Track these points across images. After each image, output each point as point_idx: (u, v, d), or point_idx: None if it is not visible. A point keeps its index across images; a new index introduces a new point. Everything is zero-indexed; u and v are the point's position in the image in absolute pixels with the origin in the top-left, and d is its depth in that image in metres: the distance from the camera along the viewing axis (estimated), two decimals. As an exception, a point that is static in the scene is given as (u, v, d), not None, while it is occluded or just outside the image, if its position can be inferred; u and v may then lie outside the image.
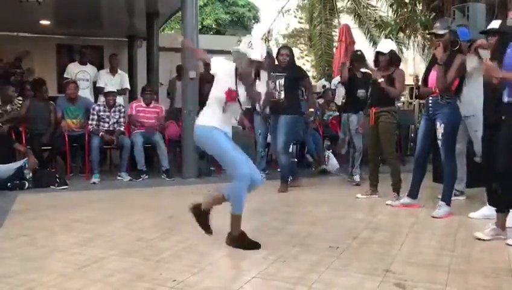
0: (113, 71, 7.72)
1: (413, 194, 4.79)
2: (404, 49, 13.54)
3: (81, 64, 7.87)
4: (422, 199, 4.86)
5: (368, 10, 14.43)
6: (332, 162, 7.45)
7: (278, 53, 5.92)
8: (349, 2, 14.94)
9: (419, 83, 6.30)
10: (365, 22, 14.23)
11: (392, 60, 5.16)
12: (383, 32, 13.74)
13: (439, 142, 4.44)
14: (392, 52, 5.15)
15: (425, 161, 4.80)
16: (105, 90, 6.92)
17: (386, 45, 5.26)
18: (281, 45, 6.15)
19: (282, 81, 5.66)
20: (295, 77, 5.83)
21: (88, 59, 8.07)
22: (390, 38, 12.72)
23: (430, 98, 4.53)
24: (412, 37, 11.97)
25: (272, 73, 5.89)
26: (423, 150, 4.70)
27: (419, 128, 4.85)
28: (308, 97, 6.46)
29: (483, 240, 3.59)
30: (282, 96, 5.69)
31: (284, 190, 5.74)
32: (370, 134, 5.34)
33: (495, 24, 4.25)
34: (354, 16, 14.66)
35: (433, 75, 4.50)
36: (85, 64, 7.89)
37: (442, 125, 4.39)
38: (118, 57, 8.14)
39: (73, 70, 7.74)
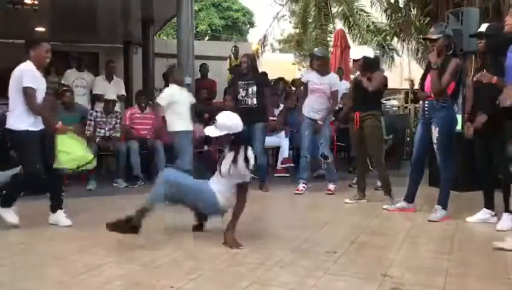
0: (109, 78, 7.68)
1: (410, 198, 4.79)
2: (399, 54, 13.62)
3: (79, 71, 7.85)
4: (418, 203, 4.86)
5: (361, 16, 14.50)
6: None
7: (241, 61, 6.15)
8: (341, 7, 15.00)
9: (415, 87, 6.31)
10: (360, 27, 14.29)
11: (367, 65, 5.11)
12: (376, 37, 13.82)
13: (435, 145, 4.46)
14: (365, 58, 5.14)
15: (422, 165, 4.81)
16: (105, 98, 6.89)
17: (359, 52, 5.37)
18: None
19: (254, 88, 5.87)
20: (258, 83, 5.98)
21: (86, 66, 8.06)
22: (382, 44, 12.85)
23: (426, 102, 4.55)
24: (407, 41, 12.02)
25: (241, 82, 6.00)
26: (420, 154, 4.71)
27: (416, 132, 4.84)
28: (268, 107, 6.33)
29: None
30: (255, 102, 5.89)
31: (267, 189, 5.96)
32: (355, 139, 5.31)
33: (483, 28, 4.27)
34: (345, 21, 14.72)
35: (429, 79, 4.52)
36: (83, 71, 7.86)
37: (437, 129, 4.41)
38: (115, 64, 8.11)
39: (71, 77, 7.69)
